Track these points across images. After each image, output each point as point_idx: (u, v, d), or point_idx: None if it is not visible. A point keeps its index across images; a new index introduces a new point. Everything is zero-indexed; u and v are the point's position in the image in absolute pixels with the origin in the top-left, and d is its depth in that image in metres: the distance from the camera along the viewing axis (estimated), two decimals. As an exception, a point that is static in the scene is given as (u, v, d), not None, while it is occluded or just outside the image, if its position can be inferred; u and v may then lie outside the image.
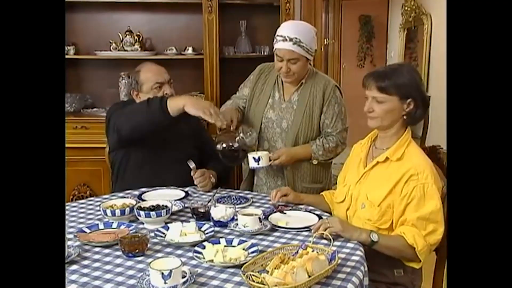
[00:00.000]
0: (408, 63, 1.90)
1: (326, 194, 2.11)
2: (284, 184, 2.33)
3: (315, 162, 2.32)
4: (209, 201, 1.93)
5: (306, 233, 1.74)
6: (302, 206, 2.04)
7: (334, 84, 2.34)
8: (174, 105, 2.07)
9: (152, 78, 2.36)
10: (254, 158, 2.20)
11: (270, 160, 2.21)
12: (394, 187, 1.74)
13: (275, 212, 1.95)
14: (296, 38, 2.16)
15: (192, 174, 2.25)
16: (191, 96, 2.04)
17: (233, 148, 2.15)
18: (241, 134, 2.16)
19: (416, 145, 1.83)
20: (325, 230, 1.63)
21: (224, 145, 2.15)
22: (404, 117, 1.79)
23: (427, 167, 1.72)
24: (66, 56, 3.51)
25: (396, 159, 1.77)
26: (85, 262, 1.53)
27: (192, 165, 2.26)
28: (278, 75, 2.36)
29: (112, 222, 1.82)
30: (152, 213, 1.80)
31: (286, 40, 2.17)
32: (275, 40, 2.24)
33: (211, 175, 2.30)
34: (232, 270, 1.45)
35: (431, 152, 1.98)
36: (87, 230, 1.76)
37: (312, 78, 2.33)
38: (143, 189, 2.24)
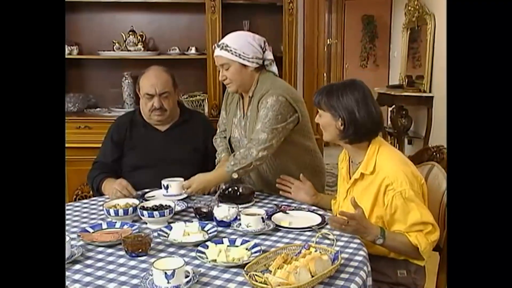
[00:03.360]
0: (360, 81, 1.81)
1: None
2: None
3: (235, 175, 2.12)
4: (211, 201, 1.94)
5: (309, 233, 1.74)
6: (305, 206, 2.04)
7: (272, 92, 2.13)
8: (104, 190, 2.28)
9: (145, 87, 2.38)
10: (163, 185, 2.10)
11: (183, 189, 2.11)
12: (376, 199, 1.74)
13: (278, 212, 1.95)
14: (223, 43, 2.19)
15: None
16: (118, 183, 2.16)
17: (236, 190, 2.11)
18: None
19: (388, 149, 1.80)
20: (340, 225, 1.63)
21: (222, 191, 2.09)
22: (340, 134, 1.78)
23: (399, 174, 1.69)
24: (69, 56, 3.51)
25: (369, 172, 1.76)
26: (88, 262, 1.53)
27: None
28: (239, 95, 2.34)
29: (115, 222, 1.83)
30: (155, 213, 1.81)
31: (216, 47, 2.23)
32: None
33: None
34: (235, 270, 1.45)
35: (436, 152, 1.98)
36: (90, 230, 1.76)
37: (261, 89, 2.20)
38: (146, 189, 2.24)
